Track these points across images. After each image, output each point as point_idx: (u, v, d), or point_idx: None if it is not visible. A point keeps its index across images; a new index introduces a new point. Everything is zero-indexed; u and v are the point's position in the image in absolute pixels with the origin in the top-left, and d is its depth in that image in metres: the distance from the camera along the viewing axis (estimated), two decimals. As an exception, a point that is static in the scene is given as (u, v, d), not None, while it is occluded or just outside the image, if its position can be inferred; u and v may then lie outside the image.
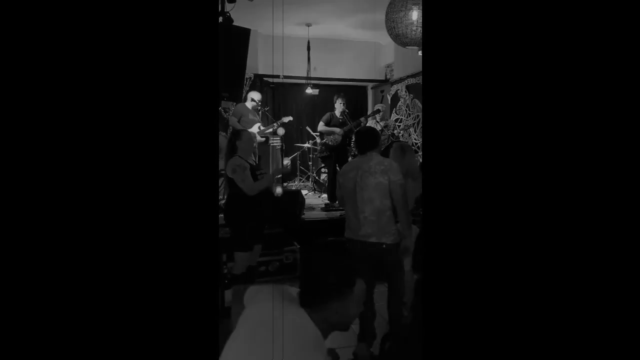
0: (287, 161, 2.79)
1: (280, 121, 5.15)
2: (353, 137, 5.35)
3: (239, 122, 4.69)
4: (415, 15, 2.68)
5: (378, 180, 2.37)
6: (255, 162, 3.02)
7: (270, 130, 5.08)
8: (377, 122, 5.45)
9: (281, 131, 5.15)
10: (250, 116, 4.82)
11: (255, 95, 4.87)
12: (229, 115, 5.36)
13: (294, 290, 1.22)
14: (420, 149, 5.84)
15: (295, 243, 4.12)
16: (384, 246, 2.38)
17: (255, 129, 4.80)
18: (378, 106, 5.66)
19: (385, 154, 2.82)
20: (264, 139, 5.03)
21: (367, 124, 5.55)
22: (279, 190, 2.88)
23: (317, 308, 1.12)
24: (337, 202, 5.04)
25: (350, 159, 5.49)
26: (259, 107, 4.99)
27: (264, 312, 1.12)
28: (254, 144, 3.11)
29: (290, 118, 5.28)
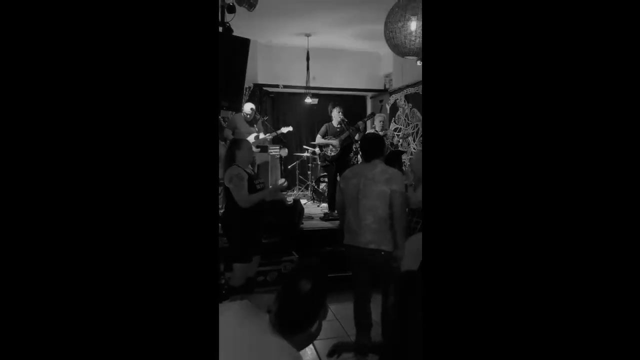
0: (282, 180, 2.82)
1: (279, 131, 5.16)
2: (356, 145, 5.39)
3: (233, 134, 4.72)
4: (414, 25, 2.69)
5: (381, 188, 2.38)
6: (254, 171, 3.01)
7: (267, 138, 5.09)
8: (377, 131, 5.46)
9: (285, 129, 5.18)
10: (244, 127, 4.85)
11: (247, 107, 4.90)
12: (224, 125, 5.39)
13: (261, 301, 1.21)
14: (411, 161, 5.85)
15: (294, 253, 4.10)
16: (382, 253, 2.39)
17: (250, 139, 4.82)
18: (378, 115, 5.68)
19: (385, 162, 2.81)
20: (258, 149, 5.04)
21: (366, 133, 5.58)
22: (284, 184, 2.89)
23: (292, 334, 1.11)
24: (335, 211, 5.06)
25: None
26: (258, 117, 5.02)
27: (232, 332, 1.09)
28: (253, 154, 3.12)
29: (290, 128, 5.30)
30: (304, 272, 1.16)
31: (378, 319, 2.64)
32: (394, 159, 3.93)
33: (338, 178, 5.17)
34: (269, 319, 1.14)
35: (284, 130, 5.20)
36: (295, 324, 1.12)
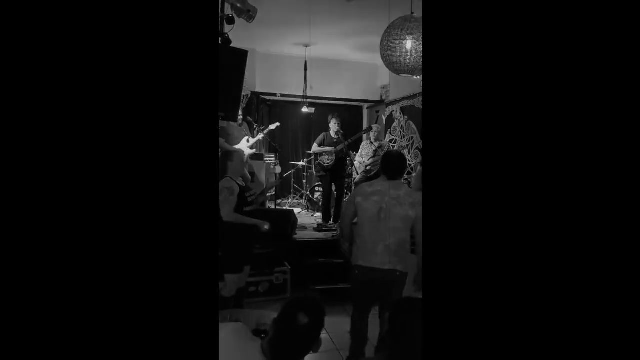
0: (267, 226, 2.86)
1: (267, 129, 5.19)
2: (352, 158, 5.41)
3: (226, 141, 4.73)
4: (410, 44, 2.73)
5: (406, 212, 2.34)
6: (246, 182, 3.02)
7: (258, 138, 5.12)
8: (372, 142, 5.49)
9: (274, 126, 5.21)
10: (236, 133, 4.87)
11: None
12: None
13: (251, 317, 1.22)
14: (414, 170, 5.88)
15: (286, 264, 4.10)
16: (398, 273, 2.36)
17: (244, 142, 4.85)
18: (374, 126, 5.71)
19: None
20: (254, 150, 5.07)
21: (363, 145, 5.61)
22: (266, 227, 2.86)
23: None
24: (330, 221, 5.07)
25: (356, 178, 5.51)
26: (255, 126, 5.04)
27: (223, 357, 1.10)
28: (245, 164, 3.11)
29: (278, 124, 5.32)
30: (303, 305, 1.18)
31: (371, 334, 2.64)
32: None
33: (333, 188, 5.21)
34: (262, 345, 1.15)
35: (272, 126, 5.22)
36: (288, 355, 1.14)
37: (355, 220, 2.52)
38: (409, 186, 3.86)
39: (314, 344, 1.16)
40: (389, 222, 2.34)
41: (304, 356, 1.17)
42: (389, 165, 2.46)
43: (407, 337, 1.19)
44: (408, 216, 2.34)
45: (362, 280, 2.45)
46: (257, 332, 1.35)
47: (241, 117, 4.92)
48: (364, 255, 2.40)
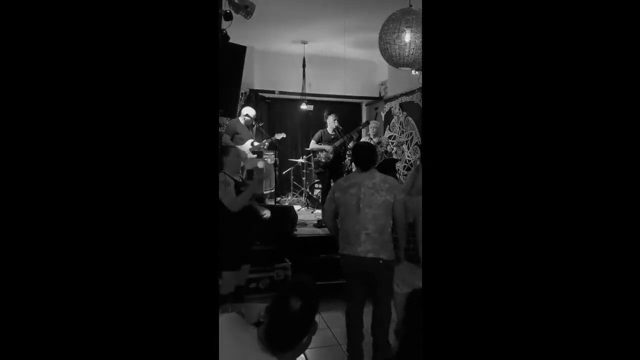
0: (267, 214, 2.89)
1: (273, 138, 5.17)
2: (349, 153, 5.40)
3: (232, 139, 4.69)
4: (408, 37, 2.72)
5: (384, 197, 2.39)
6: (242, 178, 3.01)
7: (263, 146, 5.10)
8: (371, 138, 5.49)
9: (279, 136, 5.18)
10: (244, 132, 4.83)
11: (249, 111, 4.89)
12: (222, 131, 5.38)
13: (252, 310, 1.21)
14: (413, 166, 5.88)
15: (287, 260, 4.10)
16: (381, 262, 2.40)
17: (247, 145, 4.81)
18: (371, 122, 5.71)
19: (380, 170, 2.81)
20: (255, 155, 5.04)
21: (362, 140, 5.60)
22: (266, 213, 2.85)
23: (281, 351, 1.13)
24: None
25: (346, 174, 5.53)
26: (254, 123, 5.02)
27: (220, 347, 1.09)
28: (241, 161, 3.09)
29: (284, 135, 5.30)
30: (295, 290, 1.17)
31: (369, 329, 2.63)
32: (388, 166, 3.93)
33: (332, 184, 5.21)
34: (258, 333, 1.15)
35: (278, 137, 5.21)
36: (284, 342, 1.13)
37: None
38: (404, 180, 3.86)
39: (309, 326, 1.16)
40: (369, 210, 2.40)
41: (301, 340, 1.16)
42: (359, 157, 2.55)
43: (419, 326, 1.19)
44: (387, 201, 2.39)
45: (348, 269, 2.52)
46: (259, 324, 1.34)
47: (249, 116, 4.87)
48: (348, 245, 2.48)
